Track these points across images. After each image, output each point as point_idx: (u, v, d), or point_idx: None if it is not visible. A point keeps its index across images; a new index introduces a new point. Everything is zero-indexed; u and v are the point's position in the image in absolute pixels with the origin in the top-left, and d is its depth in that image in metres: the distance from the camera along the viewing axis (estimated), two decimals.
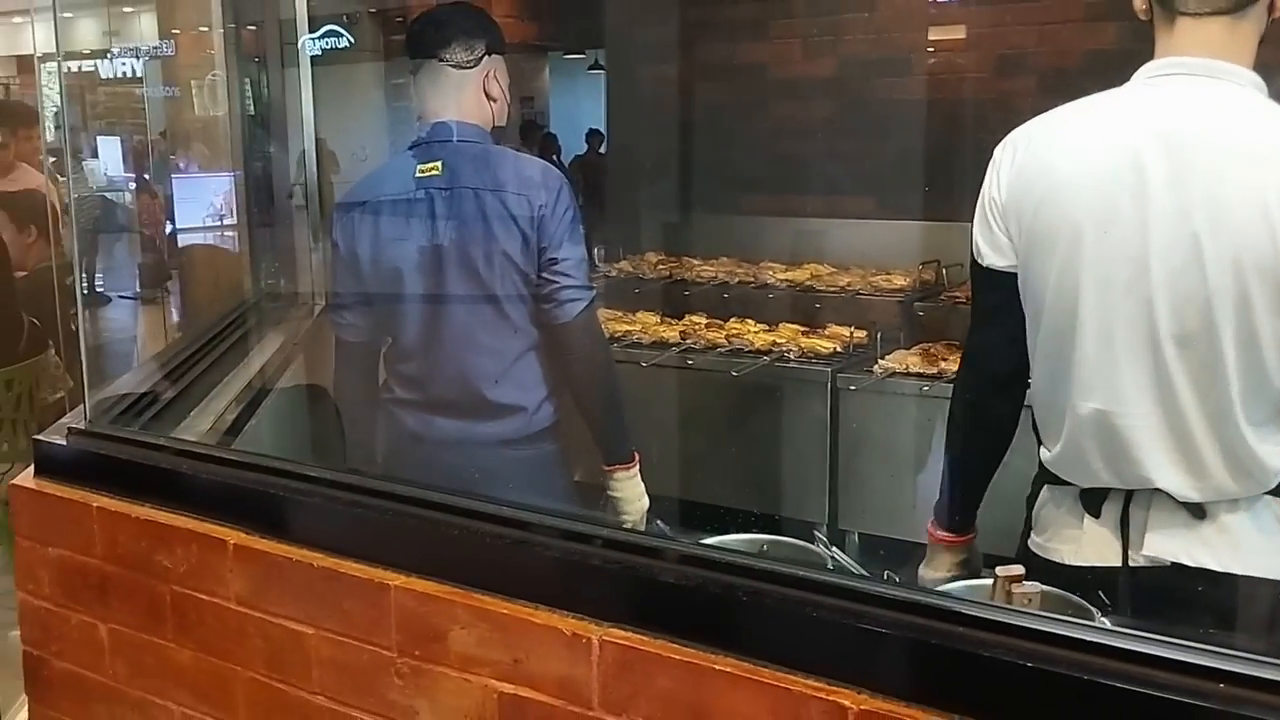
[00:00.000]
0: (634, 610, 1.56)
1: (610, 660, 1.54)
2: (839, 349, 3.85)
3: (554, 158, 7.82)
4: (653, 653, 1.51)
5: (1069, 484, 1.86)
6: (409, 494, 1.89)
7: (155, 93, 4.57)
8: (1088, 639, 1.27)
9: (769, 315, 4.11)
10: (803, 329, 3.99)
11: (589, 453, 2.58)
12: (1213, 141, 1.67)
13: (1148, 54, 1.78)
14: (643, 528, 2.50)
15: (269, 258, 3.77)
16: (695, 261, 4.56)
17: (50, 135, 6.34)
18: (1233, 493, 1.73)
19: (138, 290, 5.59)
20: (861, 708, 1.35)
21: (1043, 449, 1.89)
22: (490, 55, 2.53)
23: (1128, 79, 1.79)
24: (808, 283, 4.25)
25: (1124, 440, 1.74)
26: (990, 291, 1.90)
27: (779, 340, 3.90)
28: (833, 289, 4.20)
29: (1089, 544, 1.83)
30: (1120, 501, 1.80)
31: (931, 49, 4.42)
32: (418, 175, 2.49)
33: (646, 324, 4.15)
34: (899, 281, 4.13)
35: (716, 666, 1.46)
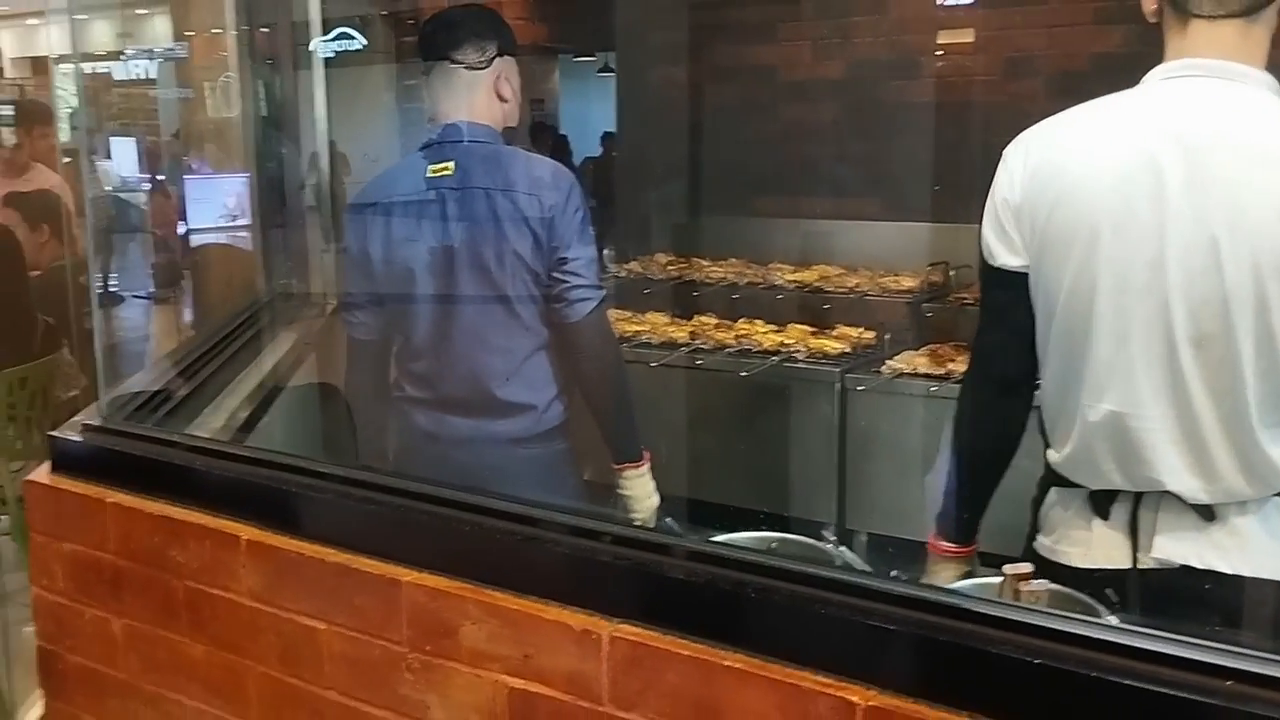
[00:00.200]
0: (644, 606, 1.56)
1: (620, 656, 1.55)
2: (847, 350, 3.86)
3: (565, 159, 7.83)
4: (662, 649, 1.52)
5: (1077, 486, 1.85)
6: (420, 490, 1.90)
7: (168, 94, 4.59)
8: (1095, 636, 1.27)
9: (778, 316, 4.11)
10: (811, 330, 3.99)
11: (599, 451, 2.59)
12: (1230, 143, 1.67)
13: (1155, 57, 1.78)
14: (652, 526, 2.51)
15: (281, 258, 3.78)
16: (704, 262, 4.57)
17: (66, 136, 6.38)
18: (1244, 495, 1.73)
19: (151, 290, 5.61)
20: (870, 704, 1.36)
21: (1051, 451, 1.89)
22: (502, 56, 2.54)
23: (1135, 82, 1.79)
24: (816, 284, 4.26)
25: (1136, 442, 1.74)
26: (1000, 292, 1.90)
27: (787, 341, 3.91)
28: (841, 290, 4.20)
29: (1097, 546, 1.83)
30: (1129, 503, 1.80)
31: (940, 52, 4.42)
32: (429, 175, 2.51)
33: (656, 324, 4.16)
34: (907, 283, 4.13)
35: (726, 663, 1.47)
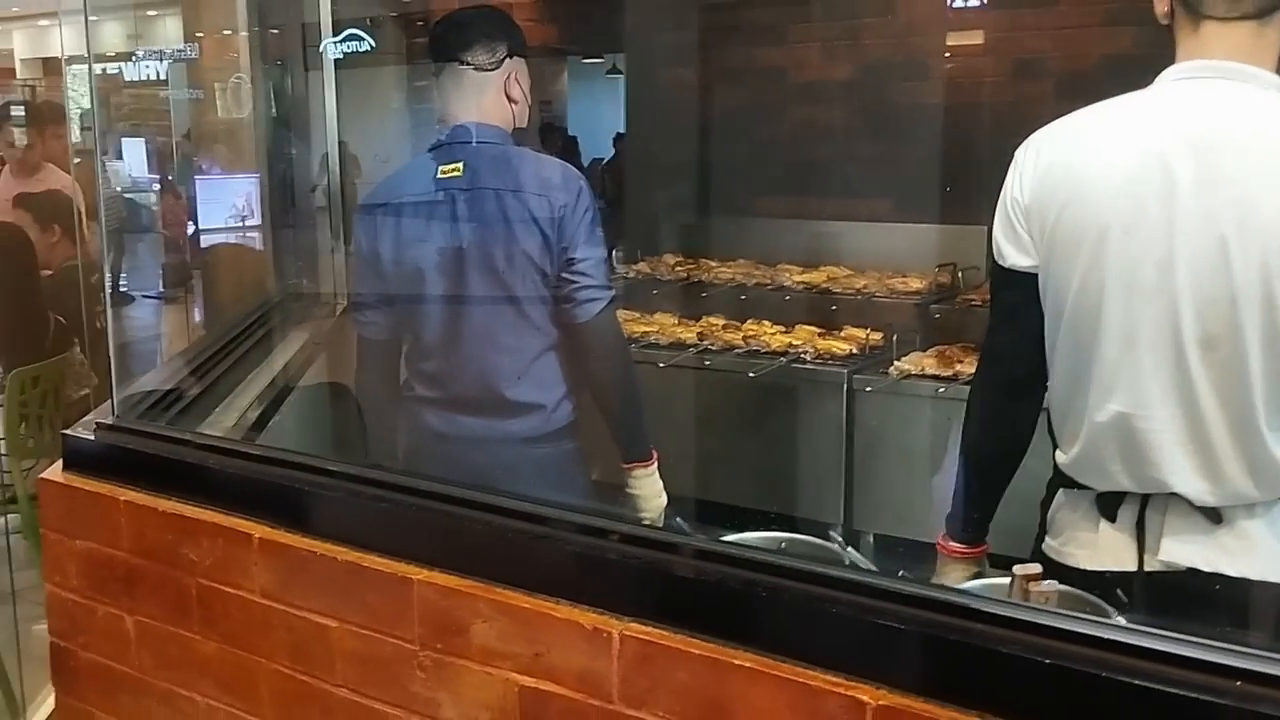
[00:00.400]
0: (654, 605, 1.57)
1: (631, 654, 1.56)
2: (855, 351, 3.86)
3: (574, 160, 7.85)
4: (673, 647, 1.52)
5: (1085, 488, 1.85)
6: (432, 489, 1.91)
7: (179, 95, 4.60)
8: (1105, 636, 1.27)
9: (786, 317, 4.12)
10: (819, 331, 4.00)
11: (608, 451, 2.60)
12: (1241, 145, 1.67)
13: (1164, 59, 1.78)
14: (660, 526, 2.51)
15: (292, 258, 3.80)
16: (713, 263, 4.58)
17: (76, 136, 6.40)
18: (1251, 498, 1.73)
19: (161, 289, 5.63)
20: (880, 703, 1.36)
21: (1059, 452, 1.89)
22: (511, 57, 2.55)
23: (1145, 83, 1.78)
24: (824, 285, 4.27)
25: (1144, 444, 1.74)
26: (1011, 292, 1.90)
27: (795, 342, 3.92)
28: (849, 291, 4.21)
29: (1104, 548, 1.83)
30: (1136, 506, 1.80)
31: (949, 53, 4.42)
32: (439, 176, 2.51)
33: (664, 325, 4.17)
34: (915, 284, 4.14)
35: (736, 661, 1.47)
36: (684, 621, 1.53)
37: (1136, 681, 1.23)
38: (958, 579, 2.03)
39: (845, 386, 3.73)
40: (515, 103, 2.57)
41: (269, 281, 3.67)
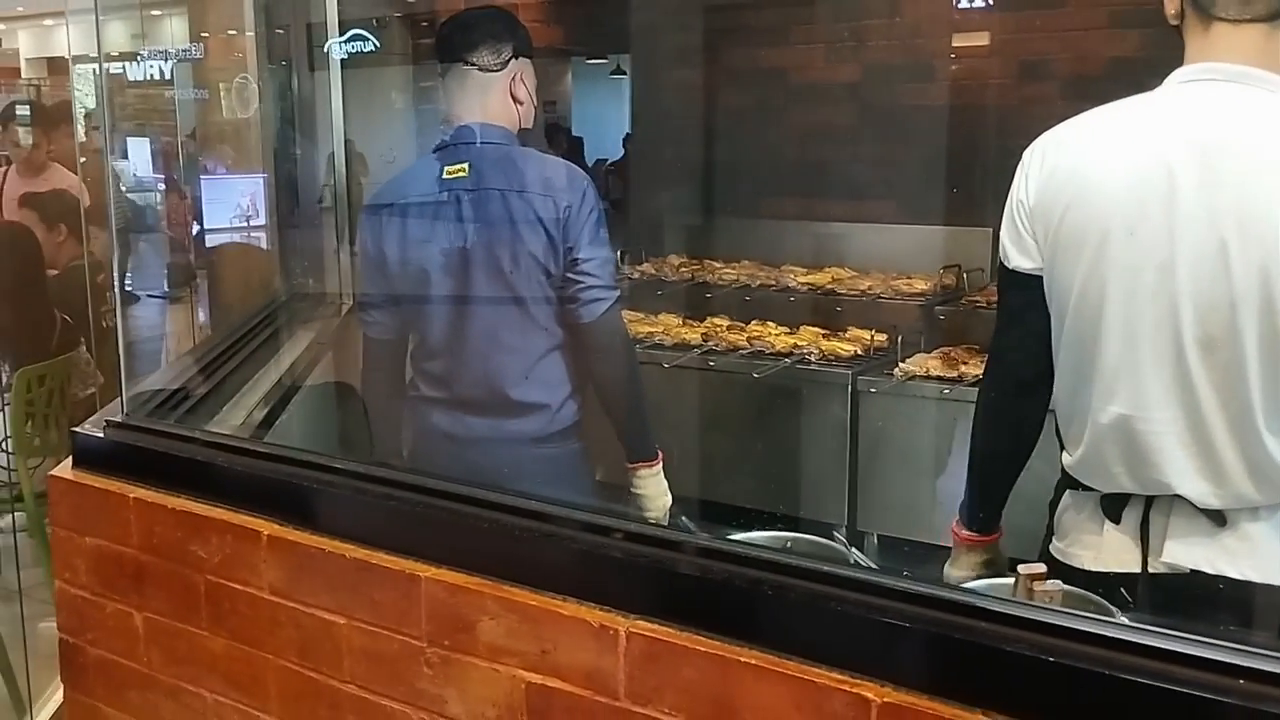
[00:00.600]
0: (660, 603, 1.58)
1: (637, 652, 1.57)
2: (859, 352, 3.87)
3: (578, 160, 7.86)
4: (679, 645, 1.53)
5: (1091, 489, 1.86)
6: (440, 488, 1.91)
7: (184, 95, 4.61)
8: (1108, 635, 1.28)
9: (790, 318, 4.13)
10: (823, 332, 4.01)
11: (613, 451, 2.60)
12: (1244, 148, 1.67)
13: (1171, 61, 1.78)
14: (666, 525, 2.52)
15: (298, 258, 3.81)
16: (717, 264, 4.59)
17: (82, 135, 6.40)
18: (1254, 500, 1.73)
19: (166, 289, 5.64)
20: (885, 700, 1.37)
21: (1065, 454, 1.90)
22: (517, 58, 2.55)
23: (1151, 86, 1.79)
24: (829, 286, 4.28)
25: (1145, 445, 1.75)
26: (1015, 294, 1.91)
27: (800, 343, 3.92)
28: (854, 292, 4.22)
29: (1109, 550, 1.84)
30: (1141, 508, 1.80)
31: (954, 55, 4.43)
32: (444, 177, 2.52)
33: (668, 326, 4.17)
34: (920, 285, 4.15)
35: (742, 659, 1.48)
36: (690, 619, 1.54)
37: (1139, 680, 1.23)
38: (971, 565, 2.06)
39: (850, 388, 3.74)
40: (520, 103, 2.57)
41: (275, 281, 3.67)
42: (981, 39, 4.39)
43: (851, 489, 3.75)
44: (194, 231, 4.90)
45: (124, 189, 6.07)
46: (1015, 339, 1.96)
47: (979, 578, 2.01)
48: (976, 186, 3.96)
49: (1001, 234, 1.90)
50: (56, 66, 14.61)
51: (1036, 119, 1.91)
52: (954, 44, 4.43)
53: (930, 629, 1.38)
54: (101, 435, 2.34)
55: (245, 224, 4.17)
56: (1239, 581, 1.74)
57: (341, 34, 3.98)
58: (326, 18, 3.93)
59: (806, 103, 4.72)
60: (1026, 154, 1.87)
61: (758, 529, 1.93)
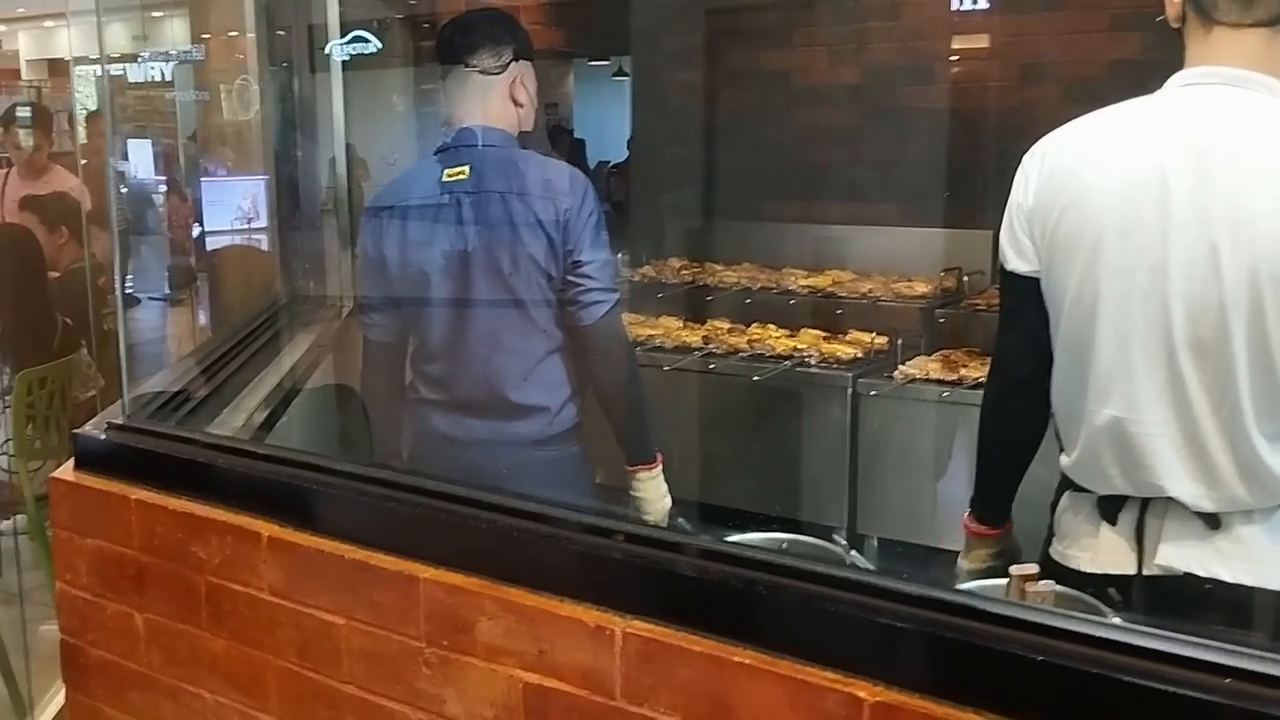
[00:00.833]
0: (656, 603, 1.59)
1: (633, 652, 1.58)
2: (860, 355, 3.88)
3: (580, 162, 7.88)
4: (674, 645, 1.54)
5: (1088, 491, 1.87)
6: (438, 489, 1.92)
7: (185, 96, 4.63)
8: (1098, 634, 1.29)
9: (791, 321, 4.14)
10: (824, 335, 4.01)
11: (613, 453, 2.61)
12: (1238, 151, 1.68)
13: (1172, 64, 1.79)
14: (665, 527, 2.53)
15: (299, 260, 3.82)
16: (718, 267, 4.59)
17: (82, 137, 6.41)
18: (1247, 504, 1.74)
19: (167, 291, 5.66)
20: (877, 699, 1.38)
21: (1063, 455, 1.90)
22: (517, 61, 2.56)
23: (1151, 89, 1.79)
24: (829, 289, 4.28)
25: (1139, 448, 1.76)
26: (1015, 296, 1.92)
27: (800, 346, 3.93)
28: (854, 295, 4.23)
29: (1105, 552, 1.85)
30: (1136, 510, 1.81)
31: (955, 57, 4.44)
32: (444, 180, 2.53)
33: (669, 328, 4.18)
34: (920, 288, 4.15)
35: (736, 658, 1.49)
36: (685, 619, 1.55)
37: (1127, 678, 1.24)
38: (982, 557, 2.07)
39: (850, 390, 3.75)
40: (521, 106, 2.58)
41: (276, 283, 3.68)
42: (982, 42, 4.40)
43: (852, 492, 3.76)
44: (195, 234, 4.92)
45: (125, 191, 6.09)
46: (1015, 341, 1.98)
47: (990, 570, 2.02)
48: (977, 189, 3.96)
49: (1001, 237, 1.91)
50: (57, 68, 14.64)
51: (1037, 122, 1.92)
52: (955, 47, 4.44)
53: (922, 629, 1.39)
54: (103, 437, 2.35)
55: (246, 226, 4.18)
56: (1232, 585, 1.75)
57: (342, 36, 3.99)
58: (328, 19, 3.94)
59: (807, 105, 4.73)
60: (1026, 157, 1.88)
61: (757, 531, 1.95)
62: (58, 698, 2.69)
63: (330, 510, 1.99)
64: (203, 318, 4.80)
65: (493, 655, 1.74)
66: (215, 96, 4.16)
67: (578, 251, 2.49)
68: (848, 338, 3.99)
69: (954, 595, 1.42)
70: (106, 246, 4.48)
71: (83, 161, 6.01)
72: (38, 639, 3.65)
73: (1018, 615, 1.36)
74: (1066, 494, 1.93)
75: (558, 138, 8.54)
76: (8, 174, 5.75)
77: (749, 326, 4.13)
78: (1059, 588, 1.66)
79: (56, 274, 4.84)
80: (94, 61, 2.93)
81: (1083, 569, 1.87)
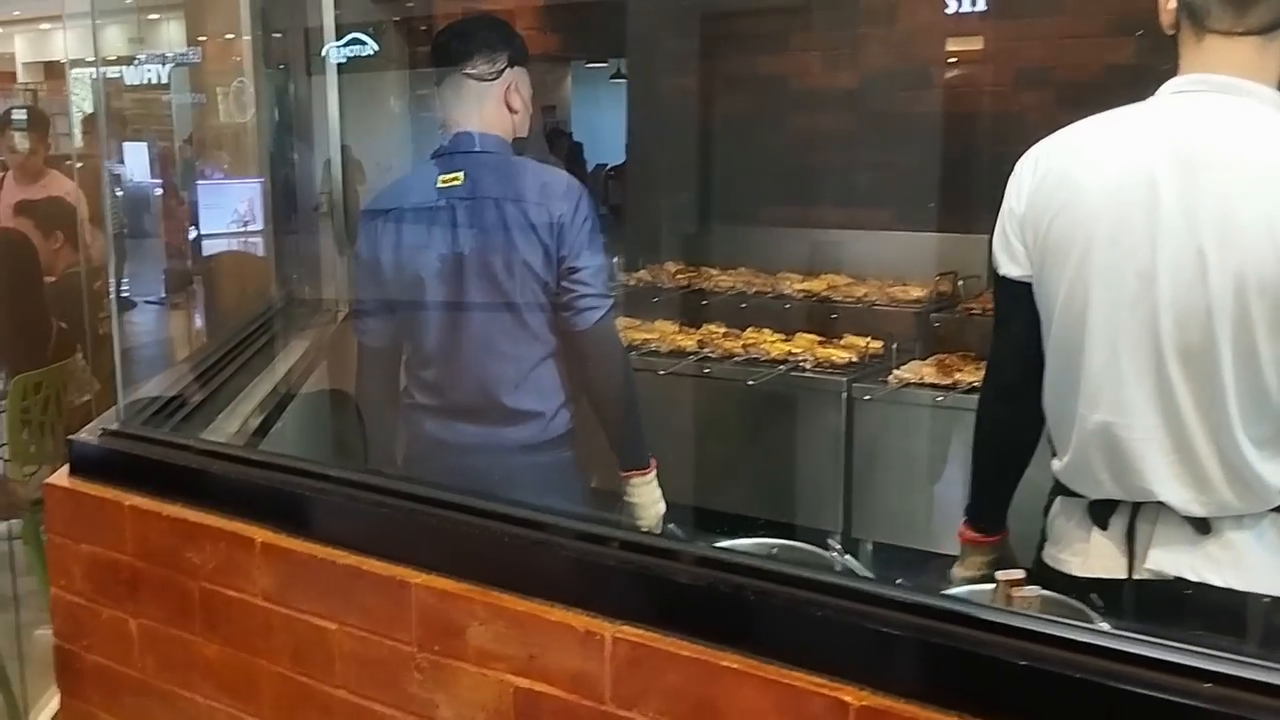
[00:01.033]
0: (645, 608, 1.60)
1: (622, 656, 1.59)
2: (854, 359, 3.88)
3: (579, 165, 7.88)
4: (663, 649, 1.55)
5: (1079, 495, 1.88)
6: (430, 495, 1.93)
7: (182, 99, 4.62)
8: (1080, 640, 1.30)
9: (786, 325, 4.14)
10: (819, 339, 4.01)
11: (607, 458, 2.62)
12: (1228, 158, 1.68)
13: (1167, 69, 1.80)
14: (658, 533, 2.53)
15: (294, 264, 3.82)
16: (713, 271, 4.59)
17: (78, 141, 6.40)
18: (1236, 509, 1.75)
19: (163, 295, 5.65)
20: (862, 704, 1.39)
21: (1054, 460, 1.91)
22: (512, 67, 2.57)
23: (1146, 94, 1.80)
24: (825, 293, 4.29)
25: (1128, 453, 1.76)
26: (1008, 301, 1.94)
27: (795, 350, 3.93)
28: (849, 300, 4.23)
29: (1095, 556, 1.85)
30: (1127, 514, 1.82)
31: (951, 62, 4.45)
32: (439, 185, 2.54)
33: (664, 333, 4.18)
34: (915, 293, 4.15)
35: (724, 663, 1.50)
36: (674, 624, 1.56)
37: (1110, 683, 1.25)
38: (976, 565, 2.08)
39: (845, 395, 3.74)
40: (516, 112, 2.59)
41: (271, 288, 3.68)
42: (978, 46, 4.40)
43: (846, 496, 3.76)
44: (191, 237, 4.91)
45: (120, 194, 6.09)
46: (1009, 346, 1.99)
47: (985, 577, 2.01)
48: (972, 193, 3.96)
49: (994, 242, 1.92)
50: (54, 71, 14.64)
51: (1033, 126, 1.92)
52: (950, 51, 4.45)
53: (908, 634, 1.40)
54: (97, 443, 2.36)
55: (243, 229, 4.18)
56: (1221, 589, 1.76)
57: (339, 38, 3.99)
58: (323, 22, 3.95)
59: (803, 109, 4.73)
60: (1019, 163, 1.89)
61: (751, 536, 1.95)
62: (53, 703, 2.69)
63: (322, 516, 2.00)
64: (199, 321, 4.80)
65: (483, 660, 1.74)
66: (211, 99, 4.16)
67: (572, 257, 2.49)
68: (843, 342, 3.99)
69: (939, 600, 1.43)
70: (103, 250, 4.47)
71: (78, 165, 6.01)
72: (33, 644, 3.65)
73: (1002, 620, 1.37)
74: (1058, 498, 1.94)
75: (556, 140, 8.54)
76: (3, 178, 5.75)
77: (744, 331, 4.12)
78: (1045, 592, 1.66)
79: (52, 279, 4.84)
80: (90, 64, 2.93)
81: (1074, 573, 1.88)
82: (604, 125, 9.51)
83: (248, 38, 3.91)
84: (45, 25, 15.26)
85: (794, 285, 4.34)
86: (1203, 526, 1.76)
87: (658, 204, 5.03)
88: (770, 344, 3.99)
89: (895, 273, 4.32)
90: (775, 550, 1.84)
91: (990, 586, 1.72)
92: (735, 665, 1.49)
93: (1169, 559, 1.79)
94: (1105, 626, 1.41)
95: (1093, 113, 1.84)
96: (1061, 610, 1.63)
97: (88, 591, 2.33)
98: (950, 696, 1.34)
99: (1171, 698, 1.21)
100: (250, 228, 4.11)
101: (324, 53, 3.94)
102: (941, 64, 4.43)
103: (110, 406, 2.53)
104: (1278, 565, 1.77)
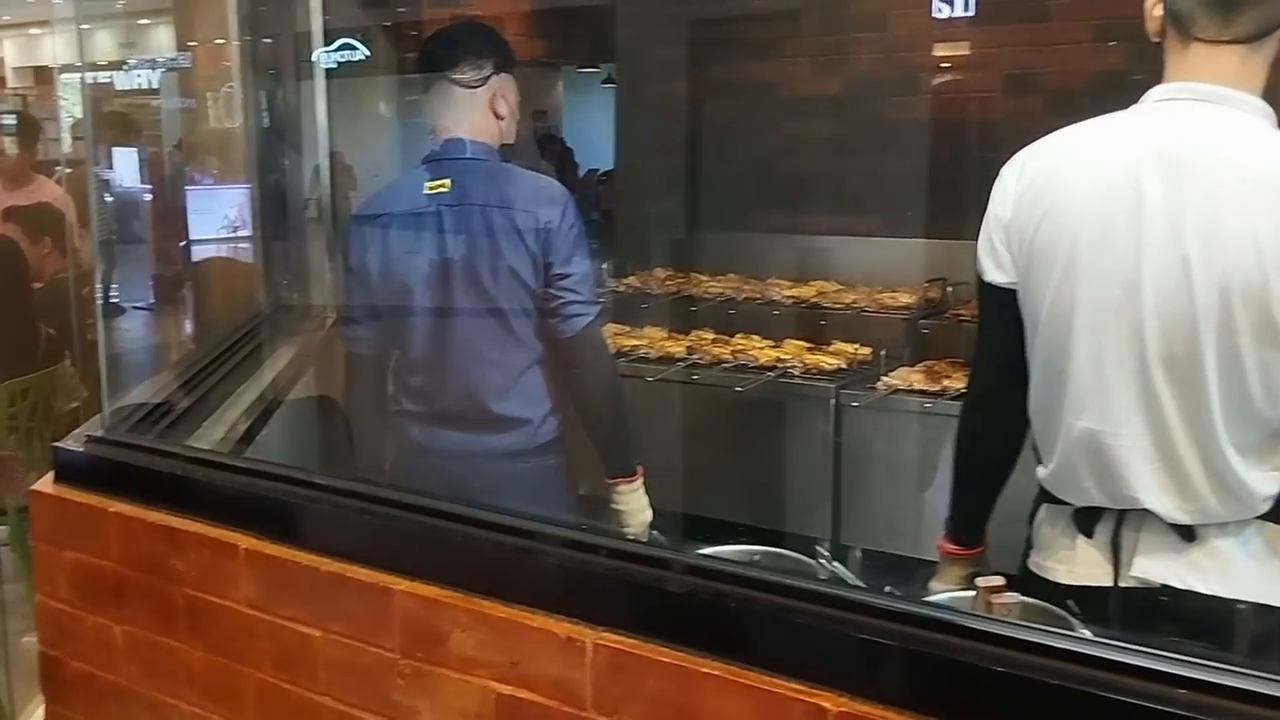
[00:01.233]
0: (626, 615, 1.60)
1: (603, 663, 1.59)
2: (843, 366, 3.87)
3: (570, 171, 7.87)
4: (644, 656, 1.55)
5: (1065, 503, 1.88)
6: (412, 502, 1.94)
7: (171, 104, 4.62)
8: (1056, 646, 1.30)
9: (775, 331, 4.13)
10: (808, 346, 4.01)
11: (595, 465, 2.62)
12: (1211, 166, 1.69)
13: (1155, 76, 1.80)
14: (645, 540, 2.54)
15: (282, 270, 3.81)
16: (703, 277, 4.58)
17: (68, 146, 6.39)
18: (1220, 516, 1.75)
19: (151, 301, 5.64)
20: (841, 710, 1.39)
21: (1040, 467, 1.91)
22: (498, 74, 2.57)
23: (1135, 100, 1.81)
24: (814, 300, 4.27)
25: (1113, 460, 1.77)
26: (992, 307, 1.93)
27: (784, 357, 3.92)
28: (838, 306, 4.22)
29: (1080, 563, 1.85)
30: (1112, 522, 1.82)
31: (940, 68, 4.45)
32: (427, 192, 2.54)
33: (653, 339, 4.17)
34: (904, 299, 4.15)
35: (704, 670, 1.50)
36: (655, 631, 1.56)
37: (1086, 689, 1.25)
38: (955, 578, 2.06)
39: (833, 402, 3.74)
40: (502, 119, 2.60)
41: (259, 293, 3.68)
42: (967, 52, 4.41)
43: (835, 503, 3.75)
44: (180, 242, 4.90)
45: (109, 199, 6.09)
46: (992, 352, 1.99)
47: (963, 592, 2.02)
48: (962, 199, 3.95)
49: (979, 248, 1.92)
50: (43, 76, 14.60)
51: (1021, 132, 1.93)
52: (939, 57, 4.45)
53: (886, 640, 1.40)
54: (82, 450, 2.36)
55: (232, 234, 4.18)
56: (1206, 597, 1.76)
57: (328, 44, 3.99)
58: (312, 27, 3.94)
59: (793, 116, 4.73)
60: (1005, 169, 1.89)
61: (737, 543, 1.95)
62: (39, 710, 2.69)
63: (306, 523, 2.01)
64: (188, 327, 4.79)
65: (466, 667, 1.75)
66: (201, 104, 4.16)
67: (559, 264, 2.50)
68: (831, 348, 3.98)
69: (918, 607, 1.44)
70: (90, 256, 4.47)
71: (68, 170, 6.00)
72: (19, 651, 3.64)
73: (980, 627, 1.37)
74: (1043, 506, 1.94)
75: (547, 145, 8.53)
76: None
77: (733, 337, 4.12)
78: (1027, 599, 1.66)
79: (41, 284, 4.83)
80: (79, 69, 2.93)
81: (1060, 581, 1.88)
82: (595, 130, 9.51)
83: (237, 43, 3.91)
84: (35, 30, 15.24)
85: (783, 291, 4.33)
86: (1188, 534, 1.76)
87: (647, 210, 5.03)
88: (759, 350, 3.99)
89: (884, 279, 4.31)
90: (757, 557, 1.84)
91: (970, 593, 1.73)
92: (715, 672, 1.49)
93: (1154, 566, 1.79)
94: (1084, 633, 1.42)
95: (1081, 119, 1.84)
96: (1041, 617, 1.63)
97: (73, 598, 2.33)
98: (928, 703, 1.35)
99: (1147, 704, 1.22)
100: (239, 233, 4.11)
101: (314, 57, 3.94)
102: (930, 70, 4.44)
103: (97, 413, 2.53)
104: (1263, 572, 1.77)
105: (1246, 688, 1.20)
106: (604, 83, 9.32)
